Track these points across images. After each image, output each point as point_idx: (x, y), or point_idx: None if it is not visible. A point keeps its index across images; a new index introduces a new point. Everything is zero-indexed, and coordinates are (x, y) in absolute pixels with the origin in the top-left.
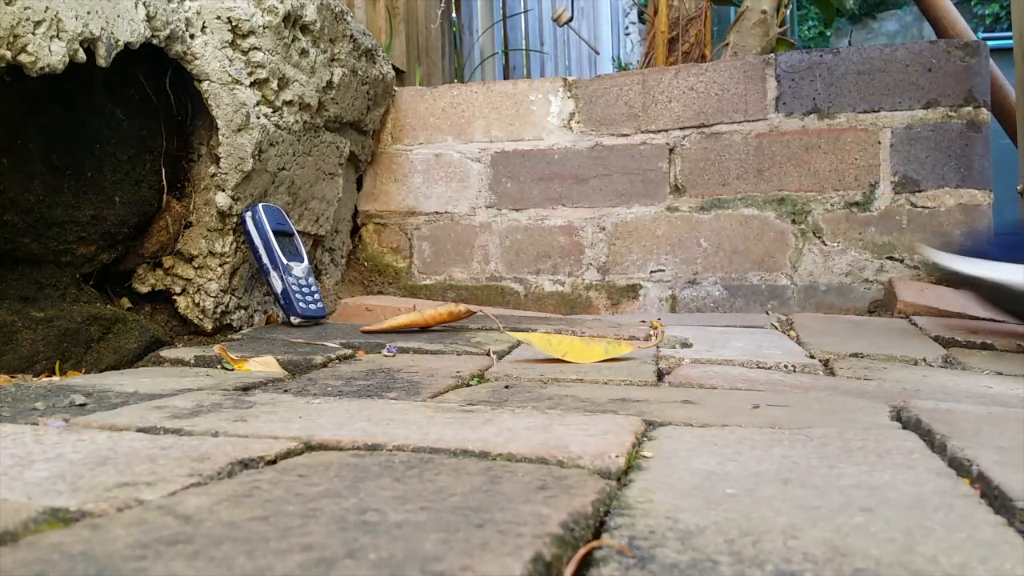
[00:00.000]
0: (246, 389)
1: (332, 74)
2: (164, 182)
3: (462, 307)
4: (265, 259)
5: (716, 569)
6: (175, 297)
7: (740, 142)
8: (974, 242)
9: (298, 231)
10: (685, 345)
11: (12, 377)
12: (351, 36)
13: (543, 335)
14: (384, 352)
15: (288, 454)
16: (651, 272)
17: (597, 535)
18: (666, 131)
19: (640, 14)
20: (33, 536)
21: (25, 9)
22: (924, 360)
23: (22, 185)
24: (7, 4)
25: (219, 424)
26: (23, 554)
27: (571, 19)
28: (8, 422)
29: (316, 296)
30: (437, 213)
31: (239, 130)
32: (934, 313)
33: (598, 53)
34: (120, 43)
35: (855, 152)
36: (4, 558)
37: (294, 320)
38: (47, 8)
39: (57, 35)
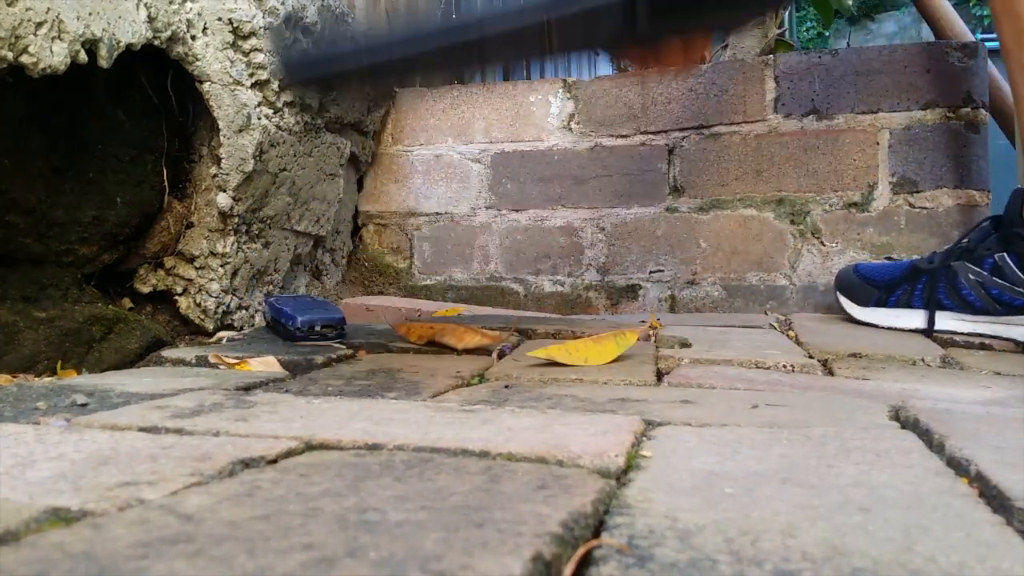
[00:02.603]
0: (247, 389)
1: None
2: (165, 183)
3: (493, 333)
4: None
5: (715, 568)
6: (176, 297)
7: (739, 143)
8: (877, 286)
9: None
10: (684, 345)
11: (14, 377)
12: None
13: (561, 346)
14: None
15: (289, 453)
16: (650, 272)
17: (597, 534)
18: (665, 132)
19: None
20: (34, 535)
21: (27, 10)
22: (922, 360)
23: (24, 186)
24: (9, 5)
25: (220, 424)
26: (24, 553)
27: None
28: (10, 422)
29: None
30: (437, 214)
31: (240, 131)
32: None
33: (597, 54)
34: (122, 44)
35: (853, 153)
36: (6, 557)
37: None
38: (48, 9)
39: (59, 36)
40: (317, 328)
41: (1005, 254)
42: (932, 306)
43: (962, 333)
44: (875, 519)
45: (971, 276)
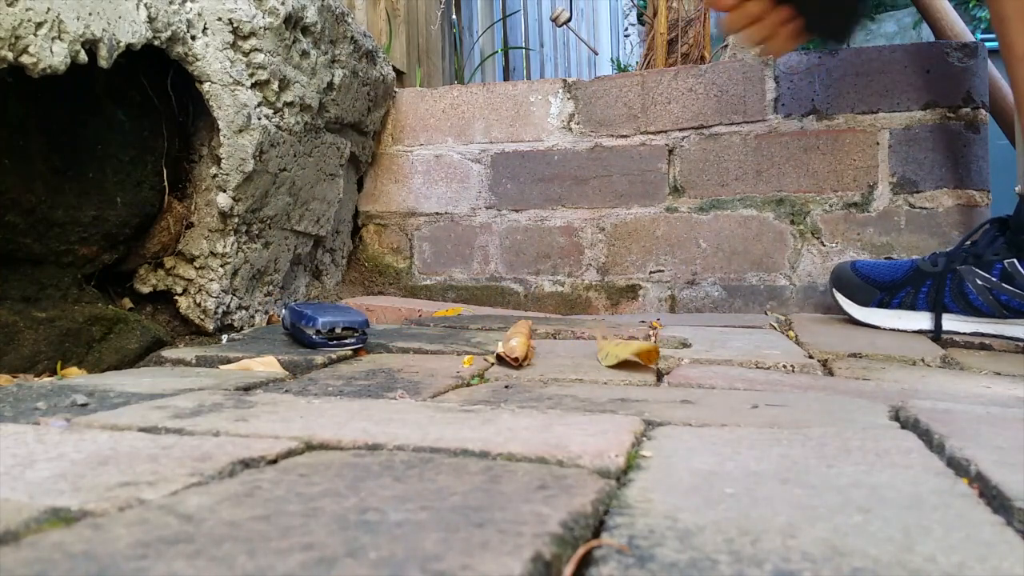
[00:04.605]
0: (247, 389)
1: (333, 75)
2: (165, 183)
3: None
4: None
5: (715, 568)
6: (176, 297)
7: (739, 143)
8: (879, 287)
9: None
10: (684, 345)
11: (14, 377)
12: (352, 37)
13: (608, 341)
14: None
15: (289, 454)
16: (650, 272)
17: (597, 534)
18: (665, 132)
19: (639, 16)
20: (34, 536)
21: (27, 10)
22: (922, 360)
23: (24, 186)
24: (9, 5)
25: (220, 424)
26: (24, 553)
27: (570, 19)
28: (10, 422)
29: None
30: (437, 214)
31: (240, 131)
32: None
33: (597, 54)
34: (121, 44)
35: (853, 153)
36: (6, 557)
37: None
38: (49, 9)
39: (59, 36)
40: (337, 331)
41: (1016, 261)
42: (938, 310)
43: (963, 333)
44: (875, 519)
45: (979, 281)
